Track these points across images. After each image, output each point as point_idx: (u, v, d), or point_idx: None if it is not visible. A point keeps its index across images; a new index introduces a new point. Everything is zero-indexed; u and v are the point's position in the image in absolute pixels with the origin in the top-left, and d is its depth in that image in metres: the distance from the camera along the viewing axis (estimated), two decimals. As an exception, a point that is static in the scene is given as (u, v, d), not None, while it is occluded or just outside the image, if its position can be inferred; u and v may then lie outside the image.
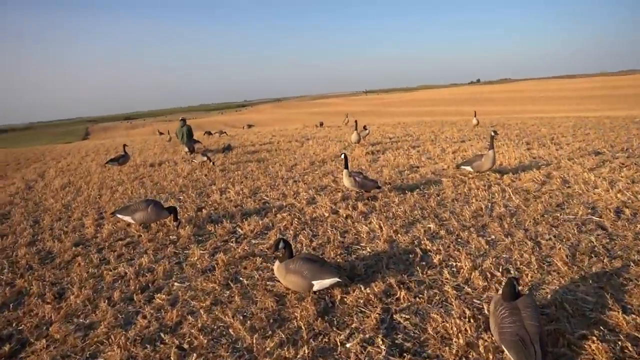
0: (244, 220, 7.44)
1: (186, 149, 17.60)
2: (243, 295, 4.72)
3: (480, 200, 7.59)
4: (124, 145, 15.10)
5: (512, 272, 4.74)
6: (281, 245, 4.64)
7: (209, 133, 29.02)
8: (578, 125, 20.65)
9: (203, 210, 8.22)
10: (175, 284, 5.17)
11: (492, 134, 9.36)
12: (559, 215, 6.61)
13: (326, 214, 7.36)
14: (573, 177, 8.87)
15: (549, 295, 4.25)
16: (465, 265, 4.91)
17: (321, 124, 29.43)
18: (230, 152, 16.32)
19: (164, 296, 4.81)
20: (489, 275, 4.72)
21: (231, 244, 6.34)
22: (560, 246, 5.33)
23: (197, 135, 30.03)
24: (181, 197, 9.53)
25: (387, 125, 26.93)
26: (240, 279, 5.14)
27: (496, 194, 7.91)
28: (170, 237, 6.89)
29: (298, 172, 11.48)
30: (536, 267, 4.85)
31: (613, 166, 9.60)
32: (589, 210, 6.68)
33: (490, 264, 4.94)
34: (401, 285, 4.64)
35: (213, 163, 13.25)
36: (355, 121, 16.51)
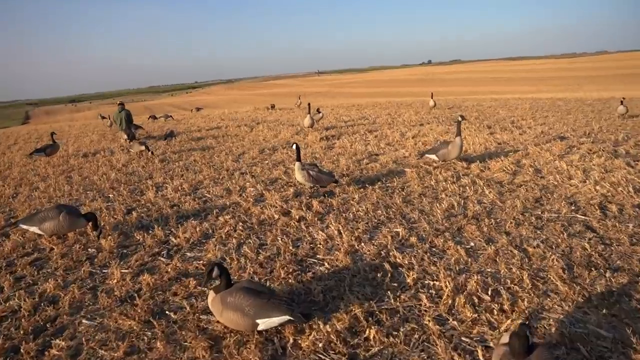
0: (179, 225, 6.31)
1: (124, 136, 16.02)
2: (168, 338, 3.63)
3: (450, 196, 6.74)
4: (52, 134, 13.48)
5: (502, 294, 3.87)
6: (215, 272, 3.58)
7: (154, 117, 27.27)
8: (535, 107, 20.36)
9: (133, 212, 6.99)
10: (84, 321, 4.02)
11: (459, 119, 8.53)
12: (540, 213, 5.83)
13: (276, 216, 6.32)
14: (544, 165, 8.19)
15: (553, 329, 3.39)
16: (446, 286, 4.00)
17: (272, 107, 28.15)
18: (173, 139, 14.93)
19: (63, 343, 3.66)
20: (476, 301, 3.83)
21: (161, 259, 5.21)
22: (552, 255, 4.52)
23: (141, 120, 28.19)
24: (111, 196, 8.24)
25: (342, 108, 25.99)
26: (167, 312, 4.04)
27: (467, 188, 7.09)
28: (89, 250, 5.67)
29: (246, 162, 10.35)
30: (530, 285, 4.00)
31: (582, 153, 9.02)
32: (572, 208, 5.95)
33: (475, 283, 4.05)
34: (370, 318, 3.69)
35: (152, 153, 11.91)
36: (308, 104, 15.44)
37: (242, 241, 5.57)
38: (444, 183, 7.44)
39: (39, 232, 5.71)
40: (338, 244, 5.22)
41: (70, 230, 5.83)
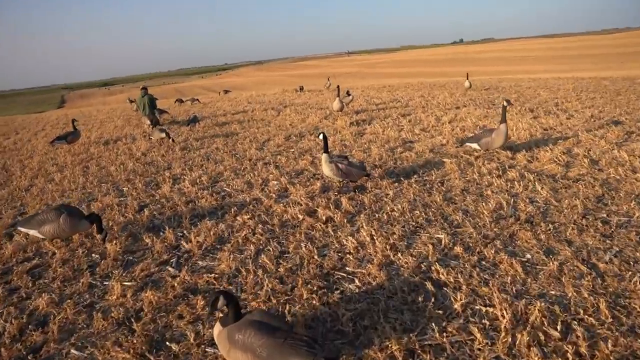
0: (193, 225, 5.72)
1: (147, 122, 15.59)
2: (166, 379, 3.02)
3: (497, 193, 5.93)
4: (73, 121, 13.07)
5: (576, 330, 3.11)
6: (221, 302, 2.94)
7: (180, 101, 26.86)
8: (578, 87, 19.00)
9: (145, 210, 6.44)
10: (72, 351, 3.46)
11: (504, 103, 7.63)
12: (606, 216, 4.98)
13: (300, 216, 5.65)
14: (601, 156, 7.25)
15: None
16: (503, 315, 3.27)
17: (301, 89, 27.38)
18: (196, 125, 14.38)
19: (44, 381, 3.09)
20: (542, 338, 3.08)
21: (169, 270, 4.62)
22: (632, 276, 3.71)
23: (168, 104, 27.86)
24: (125, 189, 7.73)
25: (372, 89, 25.03)
26: (168, 343, 3.42)
27: (515, 183, 6.25)
28: (93, 255, 5.13)
29: (270, 151, 9.69)
30: (609, 318, 3.22)
31: (644, 140, 8.01)
32: (646, 209, 5.06)
33: (539, 312, 3.30)
34: (410, 358, 2.99)
35: (173, 140, 11.37)
36: (338, 86, 14.64)
37: (261, 247, 4.93)
38: (488, 177, 6.61)
39: (39, 235, 5.19)
40: (370, 254, 4.51)
41: (72, 234, 5.30)
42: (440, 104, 15.43)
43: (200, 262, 4.73)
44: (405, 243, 4.72)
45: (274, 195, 6.57)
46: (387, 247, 4.59)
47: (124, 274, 4.58)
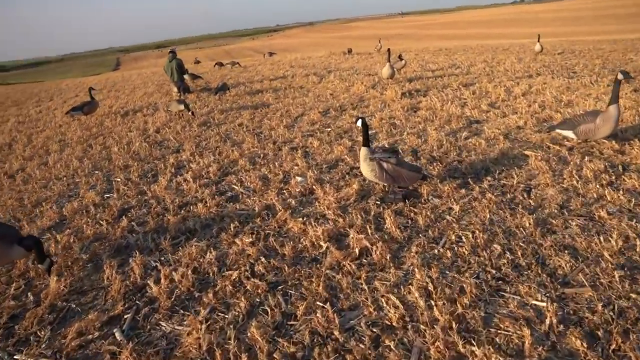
0: (174, 250, 4.11)
1: (175, 90, 14.12)
2: None
3: (616, 215, 3.96)
4: (90, 90, 11.73)
5: None
6: None
7: (220, 64, 25.32)
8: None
9: (124, 218, 4.89)
10: None
11: (619, 77, 5.47)
12: None
13: (323, 244, 3.89)
14: None
15: None
16: None
17: (349, 52, 25.22)
18: (225, 93, 12.74)
19: None
20: None
21: (113, 338, 3.01)
22: None
23: (207, 68, 26.43)
24: (115, 181, 6.22)
25: (427, 53, 22.55)
26: None
27: (642, 197, 4.24)
28: (26, 296, 3.61)
29: (302, 130, 7.92)
30: None
31: None
32: None
33: None
34: None
35: (192, 113, 9.79)
36: (388, 50, 12.51)
37: (256, 303, 3.23)
38: (595, 184, 4.60)
39: (-44, 264, 3.70)
40: (427, 336, 2.72)
41: (1, 264, 3.78)
42: (508, 71, 13.06)
43: (163, 326, 3.10)
44: (483, 314, 2.89)
45: (292, 202, 4.84)
46: (454, 323, 2.78)
47: (42, 347, 3.00)
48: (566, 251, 3.46)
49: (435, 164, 5.58)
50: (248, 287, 3.40)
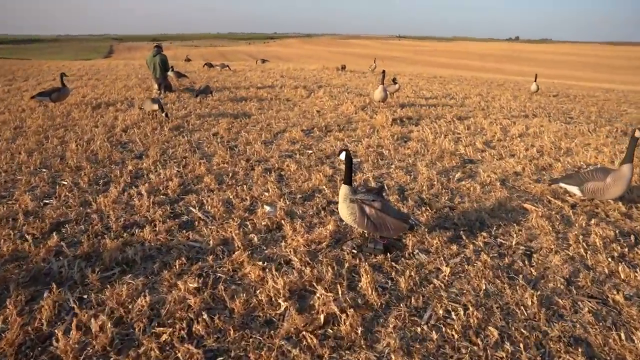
0: (102, 287, 3.34)
1: (155, 86, 13.33)
2: None
3: (635, 302, 3.31)
4: (62, 75, 10.86)
5: None
6: None
7: (210, 65, 24.53)
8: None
9: (56, 233, 4.11)
10: None
11: (637, 134, 4.90)
12: None
13: (282, 303, 3.17)
14: None
15: None
16: None
17: (343, 68, 24.69)
18: (207, 97, 11.98)
19: None
20: None
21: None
22: None
23: (197, 66, 25.71)
24: (60, 184, 5.44)
25: (421, 79, 22.14)
26: None
27: (664, 281, 3.61)
28: None
29: (280, 150, 7.21)
30: None
31: None
32: None
33: None
34: None
35: (166, 115, 9.02)
36: (383, 71, 11.93)
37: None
38: (606, 256, 3.97)
39: None
40: None
41: None
42: (503, 108, 12.59)
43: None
44: None
45: (255, 239, 4.11)
46: None
47: None
48: (579, 348, 2.79)
49: (424, 208, 4.91)
50: (179, 354, 2.66)
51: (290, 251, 3.88)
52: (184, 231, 4.28)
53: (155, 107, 9.06)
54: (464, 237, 4.26)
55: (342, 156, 3.90)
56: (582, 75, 53.54)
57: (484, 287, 3.45)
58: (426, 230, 4.39)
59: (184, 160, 6.52)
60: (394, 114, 10.29)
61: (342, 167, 6.33)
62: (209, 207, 4.80)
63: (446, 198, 5.29)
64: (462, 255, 3.97)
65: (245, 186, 5.42)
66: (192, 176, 5.82)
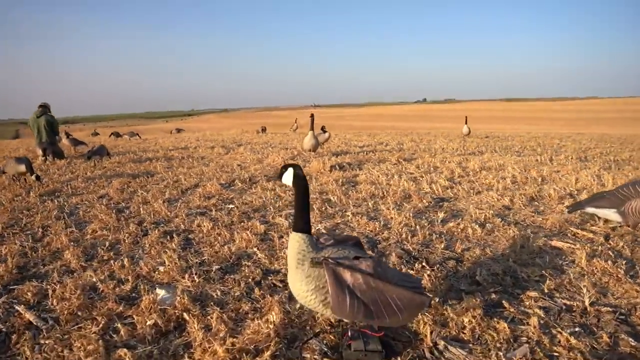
0: None
1: (39, 152, 10.89)
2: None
3: None
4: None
5: None
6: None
7: (117, 135, 22.22)
8: (584, 139, 15.57)
9: None
10: None
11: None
12: None
13: None
14: None
15: None
16: None
17: (263, 130, 23.23)
18: (102, 160, 9.75)
19: None
20: None
21: None
22: None
23: (104, 138, 23.32)
24: None
25: (348, 132, 21.06)
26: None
27: None
28: None
29: (189, 207, 5.20)
30: None
31: None
32: None
33: None
34: None
35: (38, 177, 6.74)
36: (312, 115, 10.31)
37: None
38: None
39: None
40: None
41: None
42: (445, 150, 11.37)
43: None
44: None
45: (126, 359, 2.04)
46: None
47: None
48: None
49: (417, 265, 3.09)
50: None
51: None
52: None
53: (22, 168, 6.78)
54: (505, 305, 2.46)
55: (287, 178, 2.04)
56: (489, 126, 55.89)
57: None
58: (439, 300, 2.54)
59: (40, 231, 4.33)
60: (331, 161, 8.61)
61: (279, 220, 4.43)
62: (54, 302, 2.67)
63: (442, 246, 3.51)
64: (524, 338, 2.15)
65: (126, 259, 3.33)
66: (43, 252, 3.66)
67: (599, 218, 4.03)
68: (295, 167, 2.10)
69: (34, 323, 2.49)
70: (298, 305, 2.55)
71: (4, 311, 2.65)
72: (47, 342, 2.26)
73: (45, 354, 2.13)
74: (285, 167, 2.12)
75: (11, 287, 2.99)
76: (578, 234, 3.83)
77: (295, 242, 1.98)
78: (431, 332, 2.20)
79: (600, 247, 3.43)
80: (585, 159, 9.05)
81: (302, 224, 1.99)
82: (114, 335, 2.31)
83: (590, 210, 3.86)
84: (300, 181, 2.06)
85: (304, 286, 1.92)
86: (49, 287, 2.89)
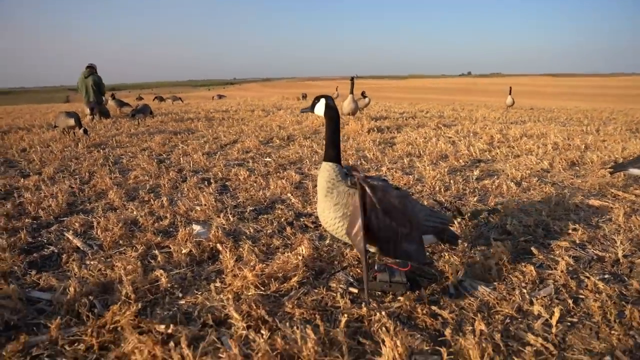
0: None
1: (87, 112, 11.29)
2: None
3: None
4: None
5: None
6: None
7: (160, 99, 22.71)
8: (637, 112, 14.85)
9: None
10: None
11: None
12: None
13: None
14: None
15: None
16: None
17: (304, 97, 23.23)
18: (145, 119, 10.03)
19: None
20: None
21: None
22: None
23: (147, 101, 23.80)
24: None
25: (388, 100, 20.80)
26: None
27: None
28: None
29: (227, 159, 5.33)
30: None
31: None
32: None
33: None
34: None
35: (85, 131, 7.03)
36: (352, 79, 10.24)
37: None
38: None
39: None
40: None
41: None
42: (486, 119, 11.10)
43: None
44: None
45: (162, 278, 2.17)
46: None
47: None
48: None
49: (449, 214, 3.09)
50: None
51: (228, 299, 1.96)
52: (32, 273, 2.30)
53: (72, 122, 7.09)
54: (534, 252, 2.45)
55: (319, 109, 2.09)
56: (535, 101, 53.95)
57: (627, 341, 1.61)
58: (468, 245, 2.56)
59: (87, 175, 4.54)
60: (370, 124, 8.57)
61: (314, 171, 4.49)
62: (98, 232, 2.84)
63: (475, 199, 3.50)
64: (551, 280, 2.15)
65: (165, 199, 3.48)
66: (90, 192, 3.86)
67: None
68: (328, 97, 2.13)
69: (81, 248, 2.65)
70: (326, 240, 2.62)
71: (55, 237, 2.84)
72: (92, 262, 2.42)
73: (91, 271, 2.28)
74: (317, 98, 2.16)
75: (61, 219, 3.17)
76: (619, 195, 3.73)
77: (325, 171, 2.03)
78: (457, 272, 2.22)
79: (633, 205, 3.34)
80: (637, 131, 8.69)
81: (332, 153, 2.04)
82: (152, 261, 2.45)
83: (634, 171, 3.74)
84: (332, 111, 2.09)
85: (332, 213, 1.97)
86: (94, 219, 3.06)
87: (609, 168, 4.10)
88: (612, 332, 1.76)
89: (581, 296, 2.06)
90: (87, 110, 11.22)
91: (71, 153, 5.90)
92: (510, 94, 16.45)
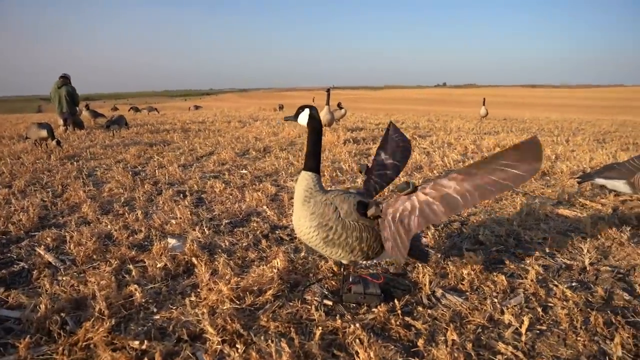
0: None
1: (60, 122, 11.13)
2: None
3: None
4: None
5: None
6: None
7: (136, 109, 22.44)
8: (604, 123, 15.32)
9: None
10: None
11: None
12: None
13: None
14: None
15: None
16: None
17: (281, 107, 23.27)
18: (120, 129, 9.91)
19: None
20: None
21: None
22: None
23: (123, 112, 23.54)
24: None
25: (363, 111, 21.00)
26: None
27: None
28: None
29: (203, 171, 5.31)
30: None
31: None
32: None
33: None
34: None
35: (58, 142, 6.93)
36: (328, 90, 10.35)
37: None
38: None
39: None
40: None
41: None
42: (461, 129, 11.30)
43: None
44: None
45: (137, 293, 2.16)
46: None
47: None
48: None
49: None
50: None
51: (203, 313, 1.96)
52: (1, 290, 2.26)
53: (44, 133, 6.97)
54: (506, 262, 2.51)
55: (303, 118, 2.13)
56: (508, 112, 55.05)
57: (592, 347, 1.67)
58: (440, 256, 2.60)
59: (60, 188, 4.48)
60: (345, 135, 8.65)
61: (290, 183, 4.52)
62: (71, 247, 2.80)
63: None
64: (522, 289, 2.21)
65: (139, 212, 3.46)
66: (62, 205, 3.80)
67: (609, 190, 4.03)
68: (312, 108, 2.16)
69: (53, 263, 2.62)
70: (301, 252, 2.63)
71: (25, 252, 2.79)
72: (64, 278, 2.38)
73: (63, 287, 2.25)
74: (302, 108, 2.19)
75: (32, 234, 3.12)
76: (587, 204, 3.85)
77: (303, 180, 2.05)
78: (430, 282, 2.26)
79: (607, 216, 3.45)
80: (603, 141, 8.96)
81: (312, 163, 2.06)
82: (126, 275, 2.43)
83: (599, 181, 3.84)
84: (315, 122, 2.12)
85: (307, 222, 1.99)
86: (67, 234, 3.02)
87: (577, 178, 4.21)
88: (579, 338, 1.82)
89: (550, 304, 2.12)
90: (60, 121, 11.07)
91: (43, 165, 5.79)
92: (484, 104, 16.74)
